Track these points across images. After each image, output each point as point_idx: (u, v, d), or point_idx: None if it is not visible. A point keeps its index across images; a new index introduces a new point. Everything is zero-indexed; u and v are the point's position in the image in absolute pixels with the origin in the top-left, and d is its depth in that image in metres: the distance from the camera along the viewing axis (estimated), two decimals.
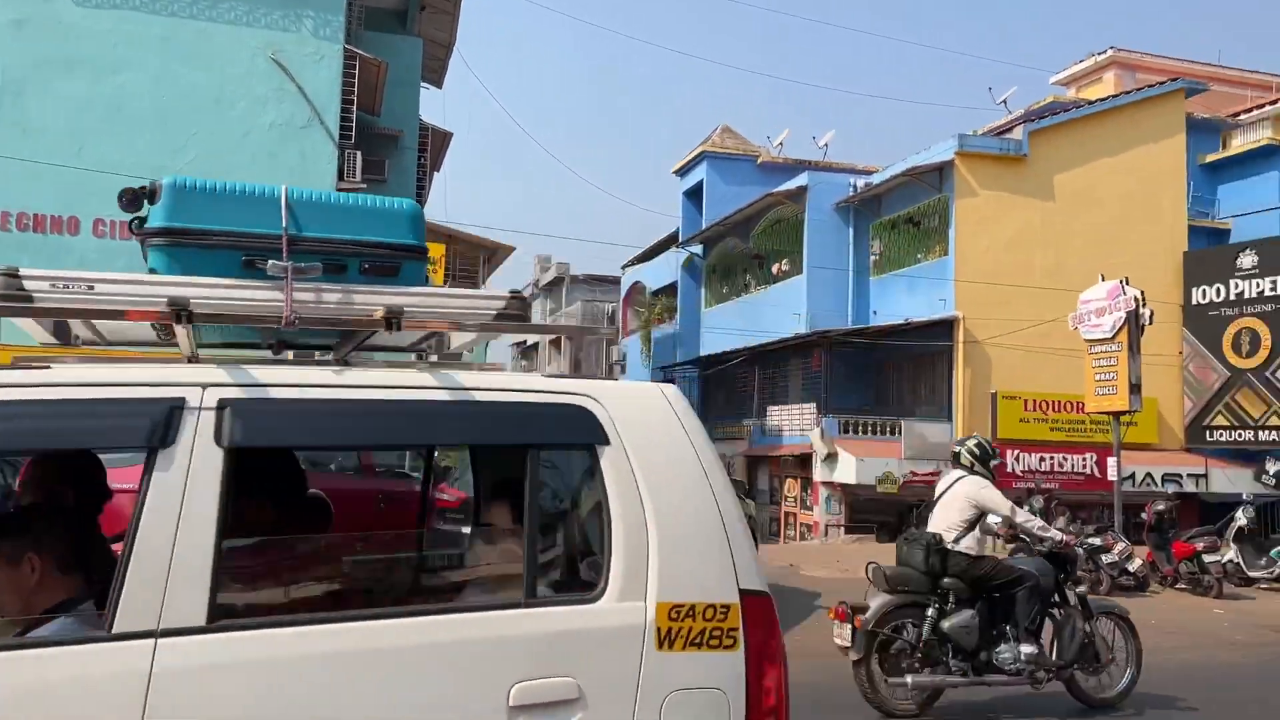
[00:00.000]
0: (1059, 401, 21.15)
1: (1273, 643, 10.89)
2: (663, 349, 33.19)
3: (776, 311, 25.06)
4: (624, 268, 40.43)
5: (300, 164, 19.62)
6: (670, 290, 33.93)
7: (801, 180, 25.15)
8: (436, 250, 16.95)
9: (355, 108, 21.24)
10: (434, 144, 27.67)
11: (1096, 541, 13.55)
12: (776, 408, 24.33)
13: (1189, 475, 21.14)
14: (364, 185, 22.36)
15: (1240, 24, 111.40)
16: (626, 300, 39.53)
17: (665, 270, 33.95)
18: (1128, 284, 16.02)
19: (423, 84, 26.61)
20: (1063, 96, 31.41)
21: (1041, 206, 21.77)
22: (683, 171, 32.24)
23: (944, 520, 7.20)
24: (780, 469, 23.49)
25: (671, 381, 31.61)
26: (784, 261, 26.47)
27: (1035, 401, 21.22)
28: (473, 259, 22.35)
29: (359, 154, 22.22)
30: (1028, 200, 21.76)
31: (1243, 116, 34.62)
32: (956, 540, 7.02)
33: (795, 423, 23.00)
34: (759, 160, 30.00)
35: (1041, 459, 20.90)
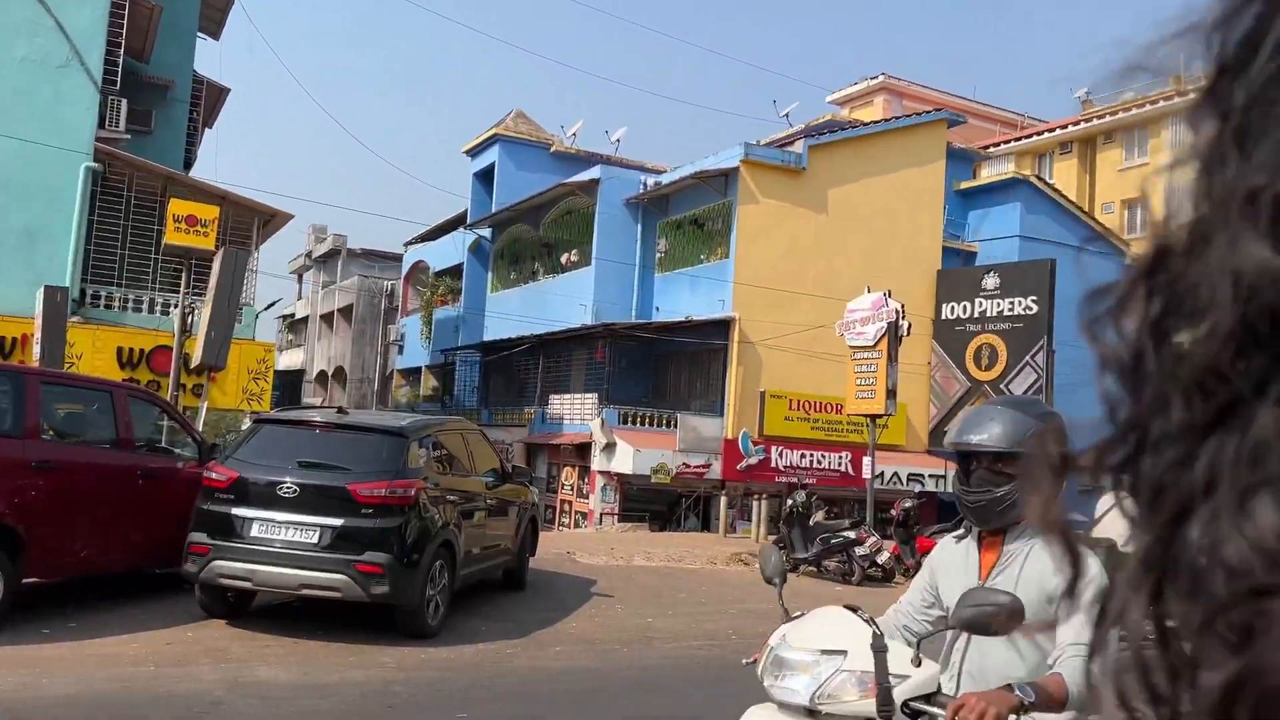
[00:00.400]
0: (821, 402, 22.51)
1: None
2: (444, 331, 32.66)
3: (563, 301, 25.23)
4: (407, 245, 39.44)
5: (54, 106, 17.90)
6: (455, 272, 33.42)
7: (594, 173, 25.43)
8: (208, 212, 15.90)
9: (123, 52, 19.60)
10: (208, 98, 25.94)
11: (851, 535, 14.57)
12: (558, 396, 24.52)
13: (930, 475, 23.02)
14: (127, 135, 20.67)
15: (992, 64, 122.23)
16: (408, 279, 38.58)
17: (451, 251, 33.40)
18: (890, 297, 17.27)
19: (200, 34, 24.90)
20: (838, 115, 33.33)
21: (816, 218, 23.05)
22: (474, 152, 31.82)
23: None
24: (559, 457, 23.70)
25: (452, 365, 31.26)
26: (573, 252, 26.68)
27: (799, 401, 22.47)
28: (247, 223, 21.12)
29: (124, 102, 20.52)
30: (804, 211, 22.97)
31: (992, 149, 38.00)
32: None
33: (576, 412, 23.27)
34: (552, 149, 30.06)
35: (802, 455, 22.16)
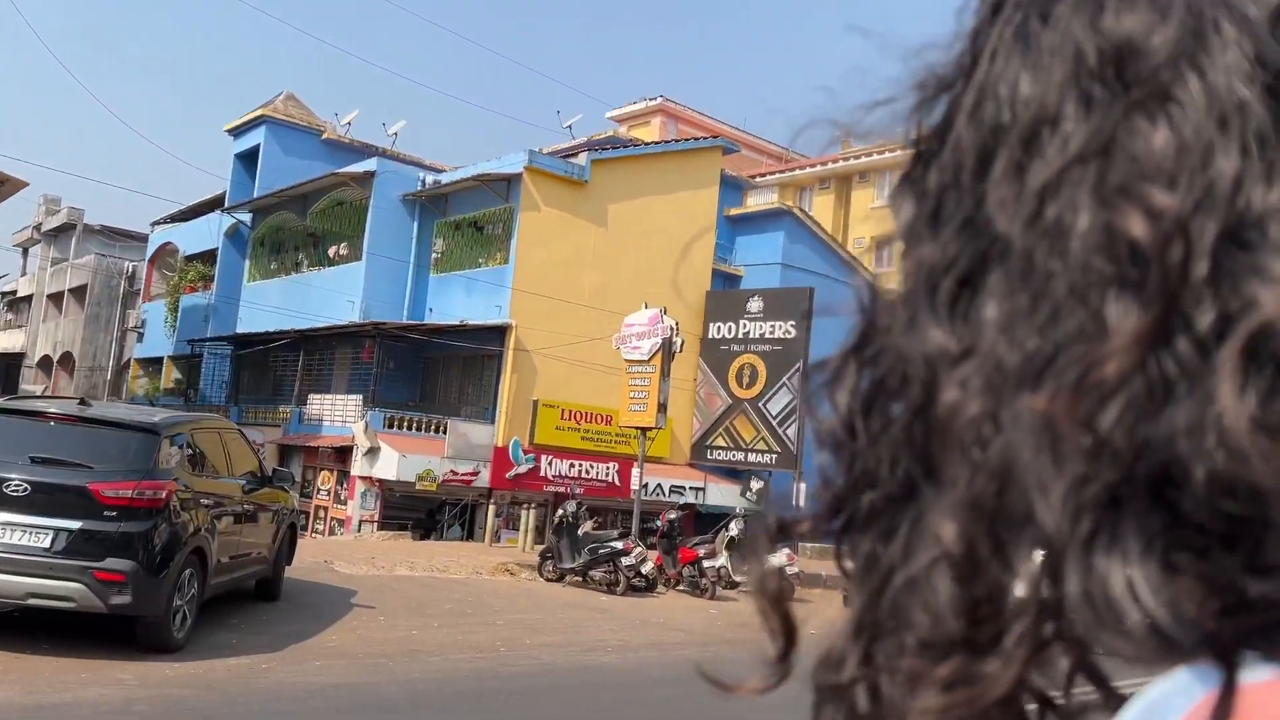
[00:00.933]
0: (591, 413, 22.72)
1: (754, 640, 12.55)
2: (192, 320, 30.44)
3: (329, 296, 24.14)
4: (154, 225, 36.54)
5: None
6: (208, 257, 31.27)
7: (370, 165, 24.54)
8: None
9: None
10: None
11: (619, 545, 14.76)
12: (319, 396, 23.41)
13: (691, 488, 23.75)
14: None
15: (760, 96, 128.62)
16: (153, 261, 35.73)
17: (205, 235, 31.21)
18: (666, 314, 17.69)
19: None
20: (617, 132, 33.92)
21: (596, 231, 23.30)
22: (238, 132, 29.93)
23: None
24: (316, 460, 22.60)
25: (199, 357, 29.16)
26: (343, 245, 25.62)
27: (571, 411, 22.58)
28: None
29: None
30: (584, 223, 23.17)
31: (760, 179, 39.89)
32: None
33: (339, 413, 22.30)
34: (323, 135, 28.77)
35: (571, 465, 22.27)
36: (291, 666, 8.32)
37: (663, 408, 17.48)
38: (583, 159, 23.41)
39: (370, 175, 24.29)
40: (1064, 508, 0.32)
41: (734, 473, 24.81)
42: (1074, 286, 0.33)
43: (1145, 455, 0.31)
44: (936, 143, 0.40)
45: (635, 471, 18.20)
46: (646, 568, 15.49)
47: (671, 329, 17.39)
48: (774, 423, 23.66)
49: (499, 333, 22.07)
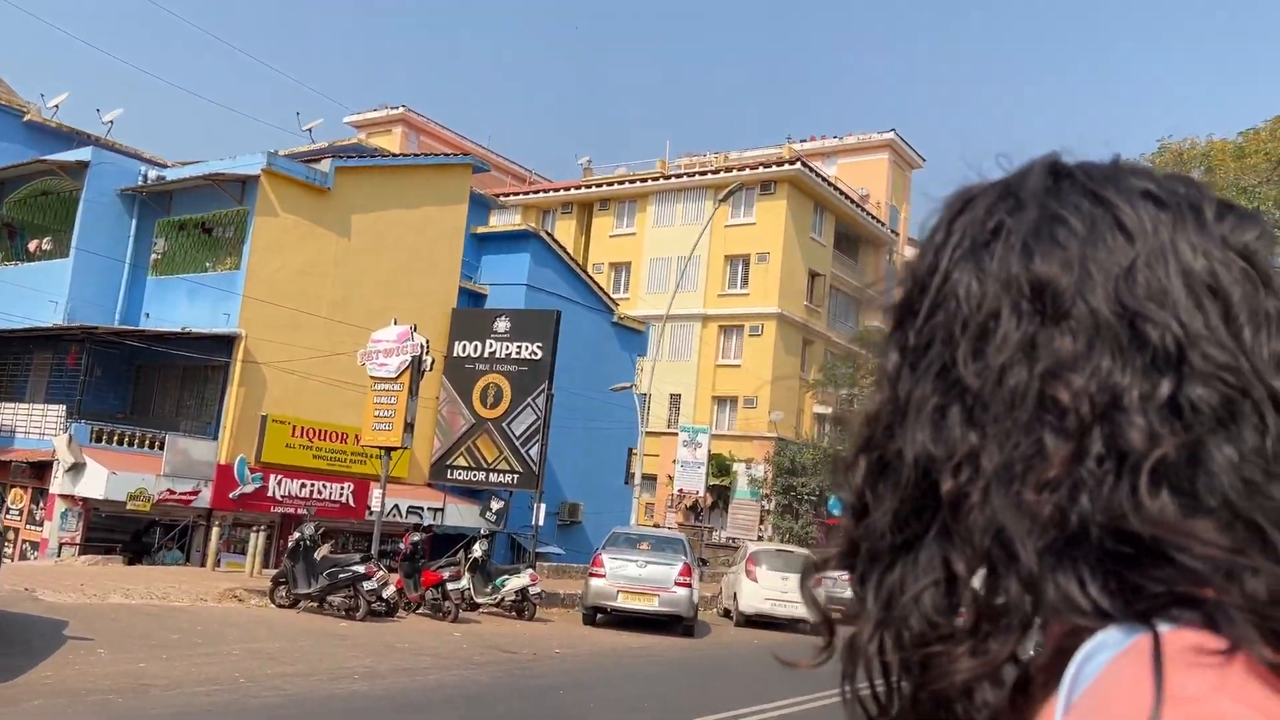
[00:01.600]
0: (326, 430, 21.83)
1: (502, 660, 12.57)
2: None
3: (26, 294, 21.70)
4: None
5: None
6: None
7: (84, 154, 22.39)
8: None
9: None
10: None
11: (360, 569, 14.31)
12: (10, 405, 20.98)
13: (430, 509, 23.34)
14: None
15: (506, 118, 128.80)
16: None
17: None
18: (416, 331, 17.37)
19: None
20: (359, 139, 32.90)
21: (338, 241, 22.48)
22: None
23: None
24: (7, 476, 20.19)
25: None
26: (46, 239, 23.16)
27: (304, 428, 21.57)
28: None
29: None
30: (326, 232, 22.29)
31: (506, 199, 39.99)
32: None
33: (35, 425, 20.08)
34: (26, 117, 25.90)
35: (303, 485, 21.26)
36: (4, 709, 7.45)
37: (410, 427, 17.13)
38: (326, 165, 22.53)
39: (83, 165, 22.17)
40: (1036, 549, 0.53)
41: (474, 493, 24.64)
42: (1025, 423, 0.55)
43: (1079, 516, 0.52)
44: (911, 316, 0.61)
45: (376, 492, 17.68)
46: (388, 592, 15.07)
47: (422, 347, 17.10)
48: (517, 443, 23.75)
49: (226, 342, 20.74)
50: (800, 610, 19.72)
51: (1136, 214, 0.57)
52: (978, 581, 0.56)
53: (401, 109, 47.15)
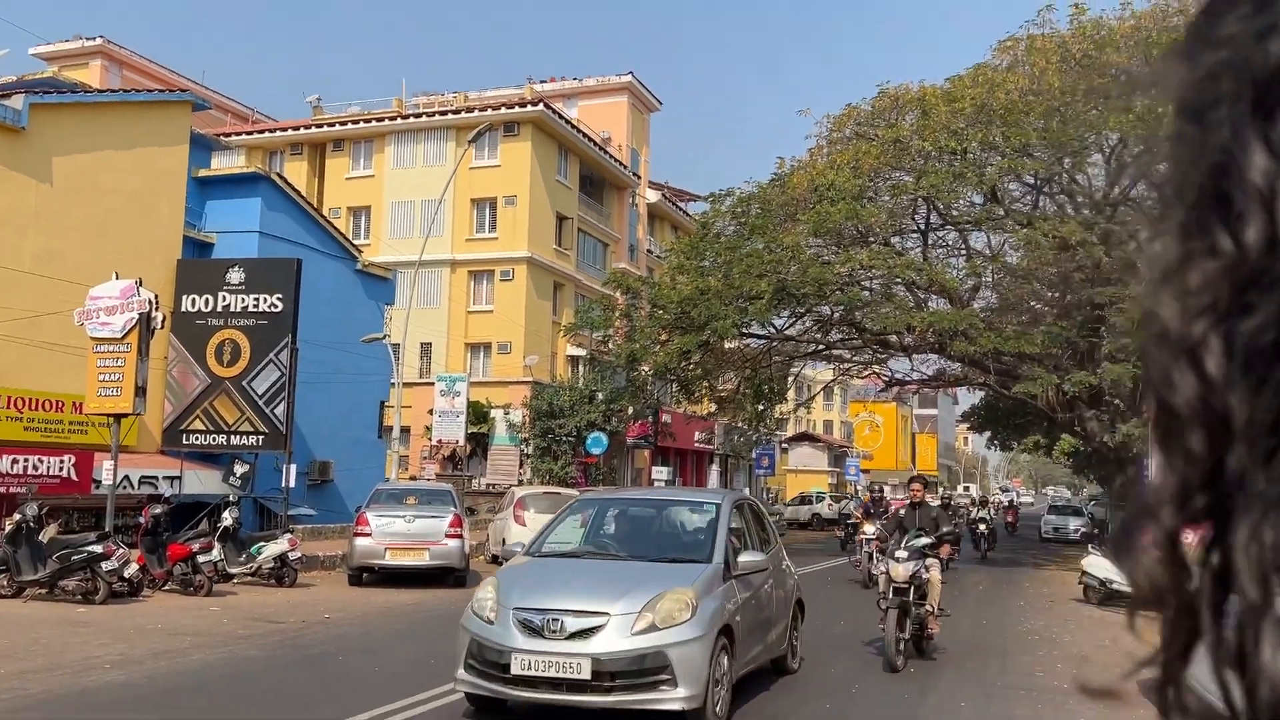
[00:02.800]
0: (37, 399, 19.58)
1: (270, 631, 11.88)
2: None
3: None
4: None
5: None
6: None
7: None
8: None
9: None
10: None
11: (99, 549, 13.03)
12: None
13: (165, 477, 21.53)
14: None
15: (221, 53, 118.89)
16: None
17: None
18: (142, 286, 15.80)
19: None
20: (48, 72, 29.30)
21: (39, 188, 19.99)
22: None
23: None
24: None
25: None
26: None
27: (11, 398, 19.22)
28: None
29: None
30: (23, 177, 19.74)
31: (228, 139, 37.10)
32: None
33: None
34: None
35: (14, 461, 18.97)
36: None
37: (141, 391, 15.64)
38: (18, 102, 19.87)
39: None
40: None
41: (213, 457, 23.00)
42: None
43: None
44: None
45: (106, 464, 16.08)
46: (130, 570, 13.83)
47: (150, 303, 15.58)
48: (260, 402, 22.34)
49: None
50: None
51: None
52: None
53: (100, 40, 42.39)
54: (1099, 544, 19.84)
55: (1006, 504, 46.67)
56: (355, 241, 32.07)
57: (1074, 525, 36.66)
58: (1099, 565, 16.92)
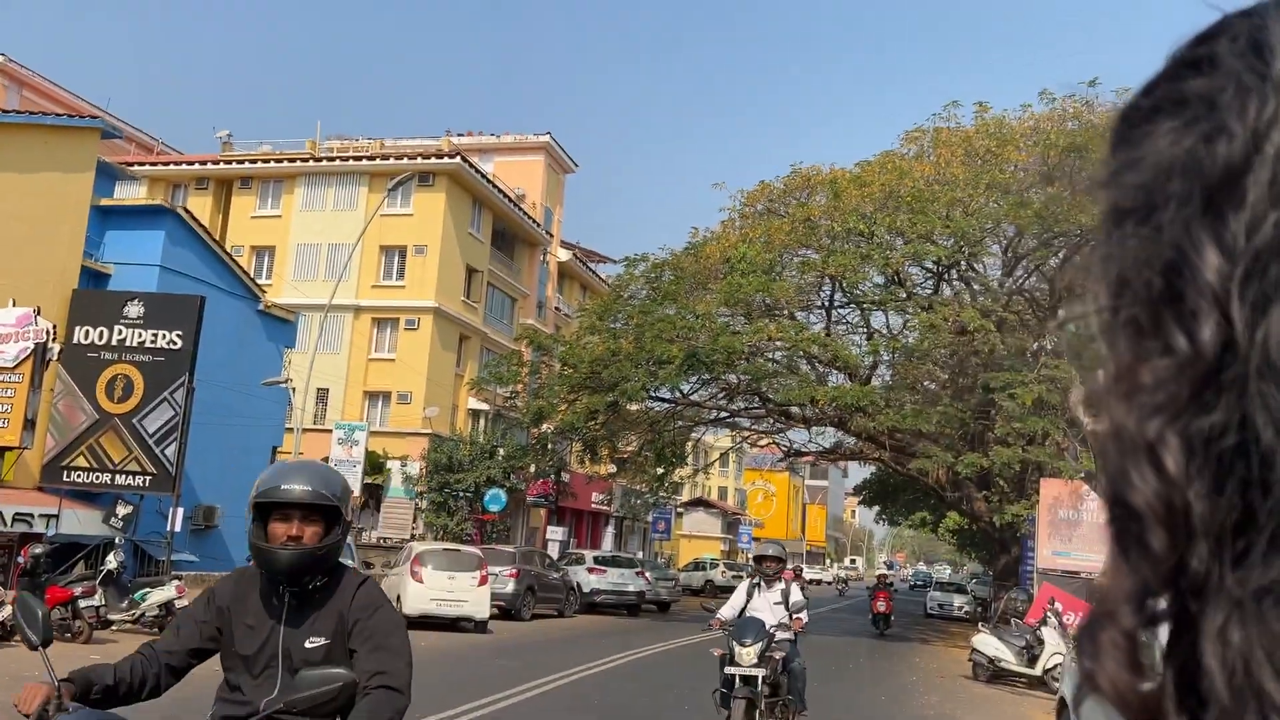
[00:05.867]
0: None
1: None
2: None
3: None
4: None
5: None
6: None
7: None
8: None
9: None
10: None
11: None
12: None
13: (41, 515, 20.35)
14: None
15: (127, 81, 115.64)
16: None
17: None
18: (40, 315, 15.15)
19: None
20: None
21: None
22: None
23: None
24: None
25: None
26: None
27: None
28: None
29: None
30: None
31: (132, 169, 36.03)
32: None
33: None
34: None
35: None
36: None
37: (30, 424, 14.92)
38: None
39: None
40: None
41: (94, 497, 21.92)
42: None
43: None
44: (1234, 199, 0.42)
45: None
46: (4, 614, 13.04)
47: (48, 333, 14.95)
48: (150, 441, 21.48)
49: None
50: (468, 608, 19.67)
51: None
52: None
53: (0, 58, 40.87)
54: (988, 623, 20.45)
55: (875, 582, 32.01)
56: (258, 281, 31.36)
57: (958, 602, 37.67)
58: (988, 643, 17.44)
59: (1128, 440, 0.41)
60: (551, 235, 44.88)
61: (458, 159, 36.54)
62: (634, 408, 28.62)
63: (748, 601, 9.10)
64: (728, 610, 9.17)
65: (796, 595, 9.10)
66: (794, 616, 8.90)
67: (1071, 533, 21.03)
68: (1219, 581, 0.38)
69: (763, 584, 9.15)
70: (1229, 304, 0.39)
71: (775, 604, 9.02)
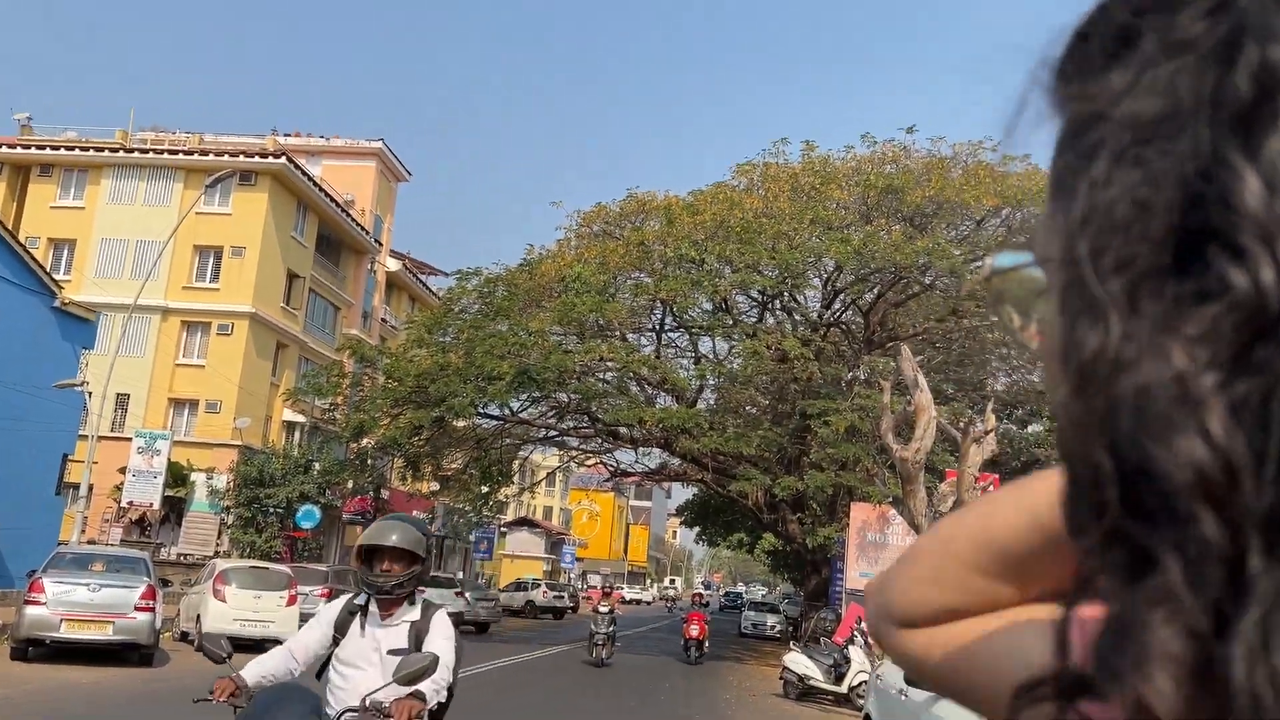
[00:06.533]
0: None
1: None
2: None
3: None
4: None
5: None
6: None
7: None
8: None
9: None
10: None
11: None
12: None
13: None
14: None
15: None
16: None
17: None
18: None
19: None
20: None
21: None
22: None
23: None
24: None
25: None
26: None
27: None
28: None
29: None
30: None
31: None
32: None
33: None
34: None
35: None
36: None
37: None
38: None
39: None
40: None
41: None
42: None
43: None
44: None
45: None
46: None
47: None
48: None
49: None
50: (274, 629, 18.68)
51: None
52: None
53: None
54: (798, 642, 21.09)
55: (690, 603, 29.57)
56: (55, 276, 29.10)
57: (771, 621, 38.77)
58: (798, 662, 17.99)
59: (1167, 402, 0.34)
60: (381, 244, 43.75)
61: (283, 159, 35.14)
62: (461, 424, 28.10)
63: (339, 639, 4.05)
64: (287, 651, 4.13)
65: (439, 643, 3.90)
66: (409, 692, 3.63)
67: (878, 555, 22.00)
68: (1264, 577, 0.32)
69: (375, 609, 4.00)
70: (1275, 239, 0.33)
71: (391, 651, 3.90)
